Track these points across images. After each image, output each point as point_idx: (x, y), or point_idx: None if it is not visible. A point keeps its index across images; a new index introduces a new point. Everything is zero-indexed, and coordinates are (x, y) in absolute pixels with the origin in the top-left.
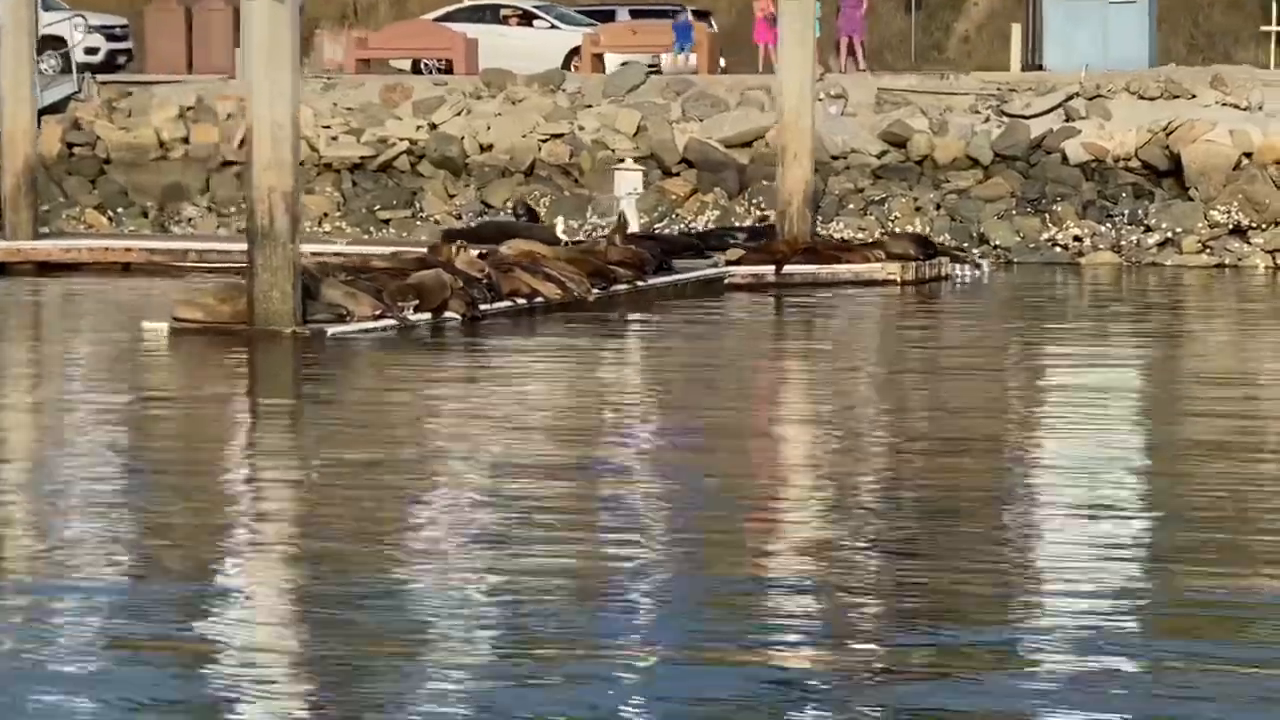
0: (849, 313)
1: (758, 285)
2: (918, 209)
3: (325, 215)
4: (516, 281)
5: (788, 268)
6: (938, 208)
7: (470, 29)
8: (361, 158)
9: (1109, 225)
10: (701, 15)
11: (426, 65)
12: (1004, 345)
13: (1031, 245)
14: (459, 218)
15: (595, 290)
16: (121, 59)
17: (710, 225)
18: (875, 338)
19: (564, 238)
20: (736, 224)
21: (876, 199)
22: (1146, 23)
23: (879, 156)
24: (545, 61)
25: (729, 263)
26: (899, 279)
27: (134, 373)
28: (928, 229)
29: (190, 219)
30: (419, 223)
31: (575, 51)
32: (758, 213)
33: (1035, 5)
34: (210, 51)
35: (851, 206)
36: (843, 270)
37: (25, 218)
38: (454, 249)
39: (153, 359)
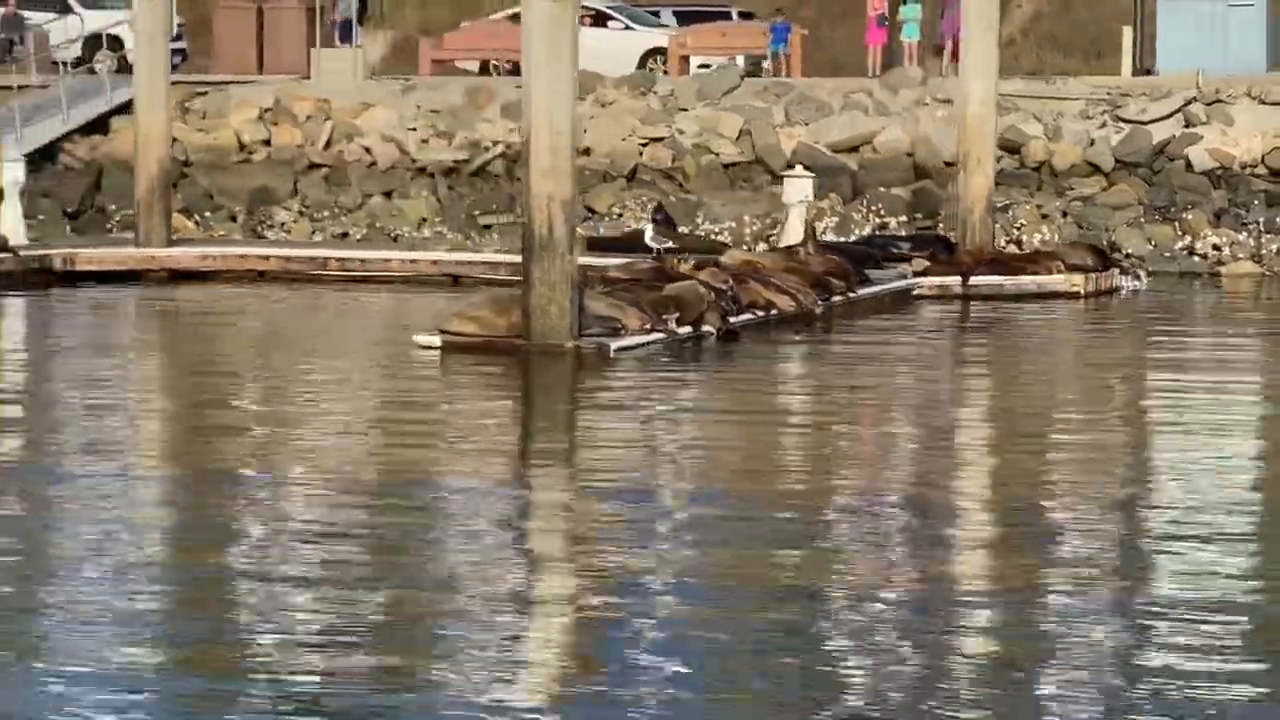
0: (1073, 324)
1: (945, 296)
2: (1044, 216)
3: (424, 220)
4: (752, 293)
5: (972, 279)
6: (1064, 215)
7: None
8: (456, 161)
9: (1246, 234)
10: (746, 16)
11: (495, 67)
12: (1257, 360)
13: (1166, 254)
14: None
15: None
16: (176, 59)
17: (826, 233)
18: (1146, 349)
19: (653, 245)
20: (891, 233)
21: (999, 205)
22: (1264, 25)
23: (995, 162)
24: (620, 62)
25: (916, 274)
26: (1082, 290)
27: (447, 390)
28: (1055, 236)
29: (283, 224)
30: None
31: (651, 53)
32: (877, 219)
33: (1140, 7)
34: (281, 51)
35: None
36: (1026, 281)
37: (158, 223)
38: (677, 261)
39: (456, 376)
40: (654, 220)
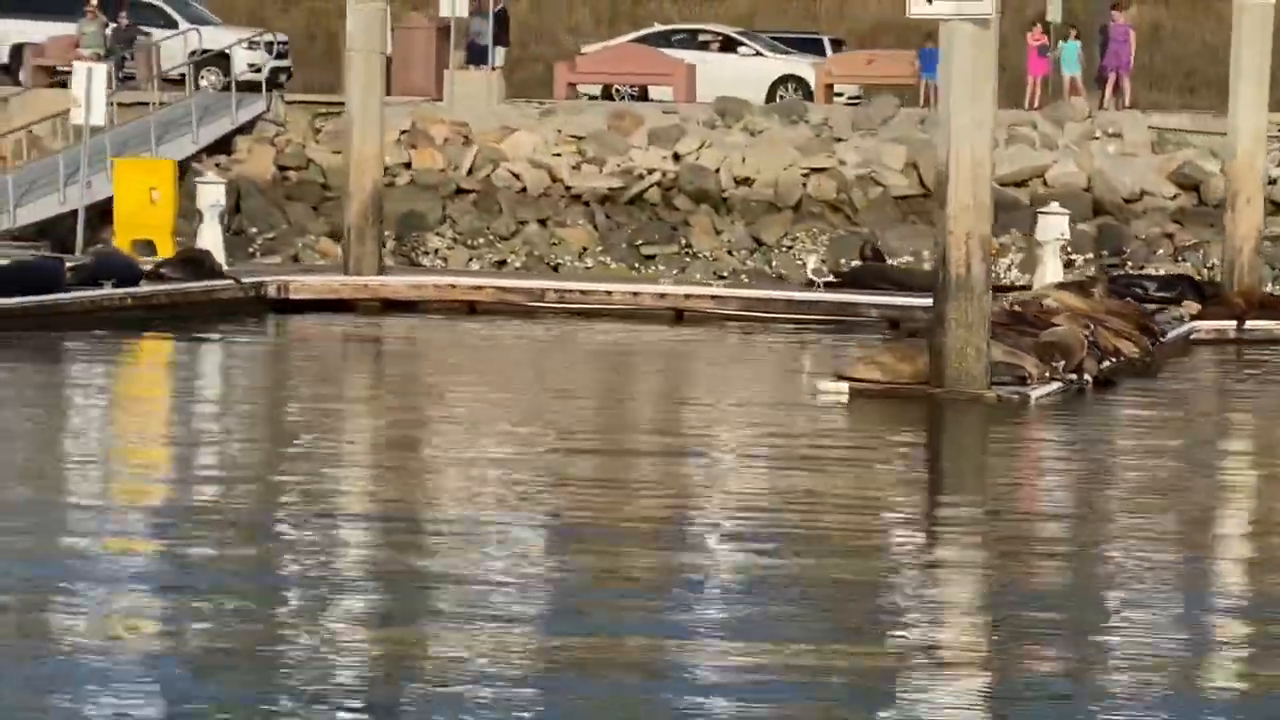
0: None
1: (1220, 340)
2: None
3: (585, 249)
4: (1103, 338)
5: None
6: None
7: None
8: (610, 189)
9: None
10: (837, 44)
11: (618, 91)
12: None
13: None
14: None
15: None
16: (282, 77)
17: (1012, 269)
18: None
19: (814, 279)
20: (1134, 273)
21: (1188, 244)
22: None
23: (1172, 199)
24: (749, 89)
25: (1192, 317)
26: None
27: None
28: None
29: (437, 250)
30: (688, 259)
31: (782, 80)
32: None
33: None
34: (411, 72)
35: (1161, 252)
36: None
37: (370, 250)
38: (1097, 294)
39: (884, 427)
40: (864, 259)
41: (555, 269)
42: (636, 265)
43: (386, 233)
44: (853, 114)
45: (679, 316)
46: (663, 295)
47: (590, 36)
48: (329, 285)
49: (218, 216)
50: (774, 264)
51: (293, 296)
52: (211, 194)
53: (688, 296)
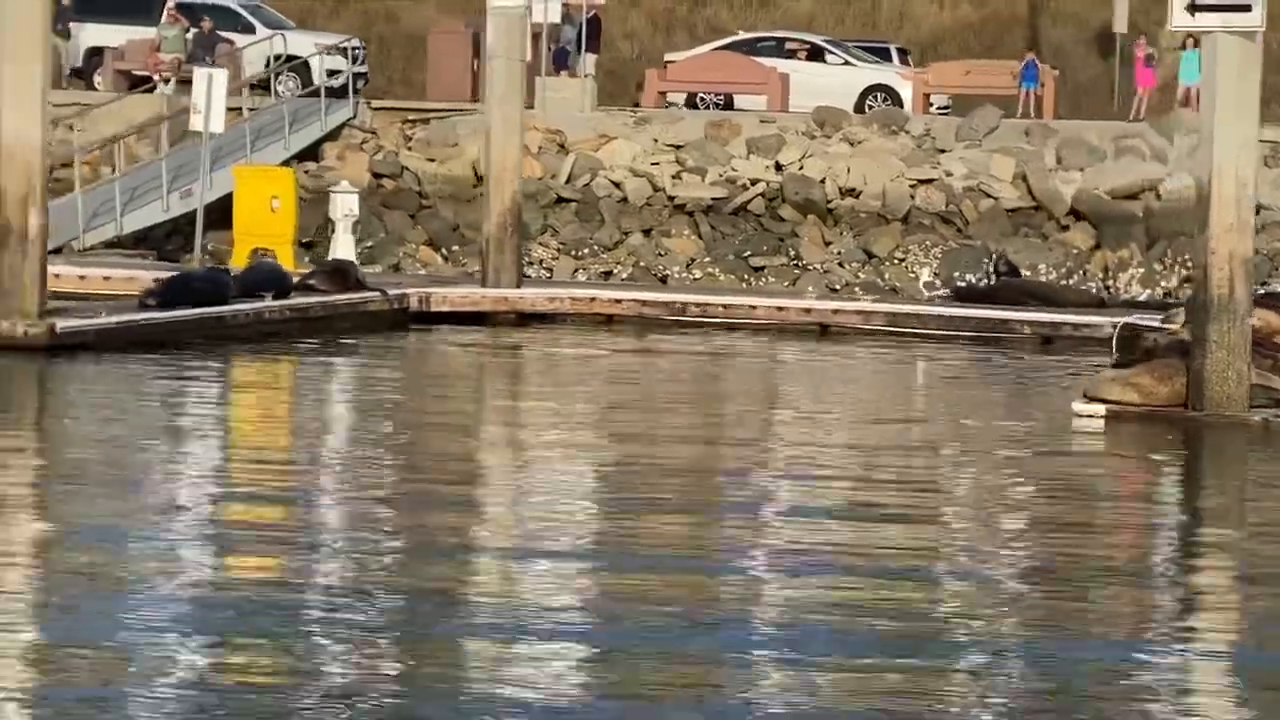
0: None
1: None
2: None
3: (692, 260)
4: None
5: None
6: None
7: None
8: (714, 199)
9: None
10: (904, 53)
11: (702, 99)
12: None
13: None
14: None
15: None
16: (359, 83)
17: (1133, 284)
18: None
19: (926, 294)
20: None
21: None
22: None
23: None
24: (838, 99)
25: None
26: None
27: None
28: None
29: (541, 260)
30: (798, 271)
31: (872, 89)
32: (1183, 271)
33: None
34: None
35: None
36: None
37: (509, 261)
38: None
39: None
40: (997, 272)
41: (663, 280)
42: (746, 277)
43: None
44: (954, 124)
45: (824, 331)
46: (808, 310)
47: (646, 44)
48: (469, 298)
49: (350, 226)
50: (887, 277)
51: (434, 309)
52: (345, 204)
53: (835, 311)
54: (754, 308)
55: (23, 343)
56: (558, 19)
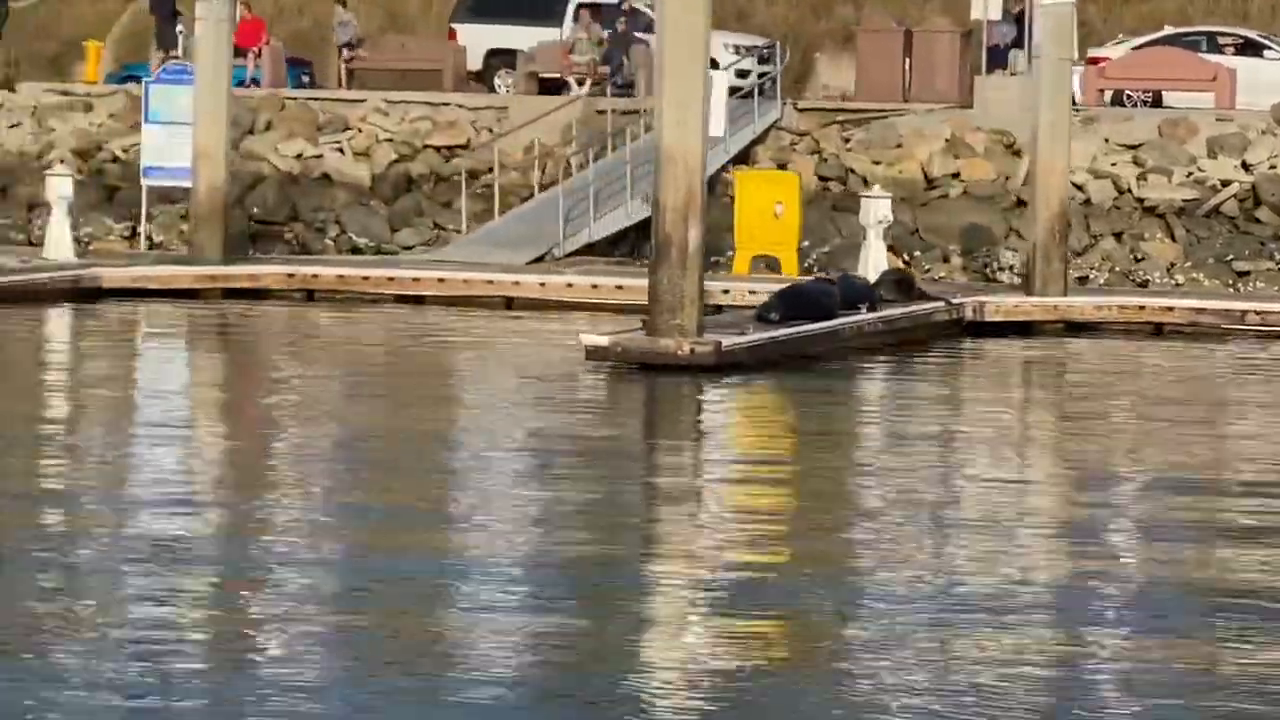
0: None
1: None
2: None
3: (1173, 265)
4: None
5: None
6: None
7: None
8: (1185, 201)
9: None
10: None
11: (1129, 96)
12: None
13: None
14: None
15: None
16: (767, 84)
17: None
18: None
19: None
20: None
21: None
22: None
23: None
24: (1276, 96)
25: None
26: None
27: None
28: None
29: (1011, 266)
30: None
31: None
32: None
33: None
34: (934, 77)
35: None
36: None
37: (1056, 269)
38: None
39: None
40: None
41: (1143, 285)
42: (1230, 282)
43: (951, 247)
44: None
45: None
46: None
47: None
48: (1021, 307)
49: (882, 233)
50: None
51: (987, 319)
52: (879, 209)
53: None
54: None
55: (688, 361)
56: (997, 16)
